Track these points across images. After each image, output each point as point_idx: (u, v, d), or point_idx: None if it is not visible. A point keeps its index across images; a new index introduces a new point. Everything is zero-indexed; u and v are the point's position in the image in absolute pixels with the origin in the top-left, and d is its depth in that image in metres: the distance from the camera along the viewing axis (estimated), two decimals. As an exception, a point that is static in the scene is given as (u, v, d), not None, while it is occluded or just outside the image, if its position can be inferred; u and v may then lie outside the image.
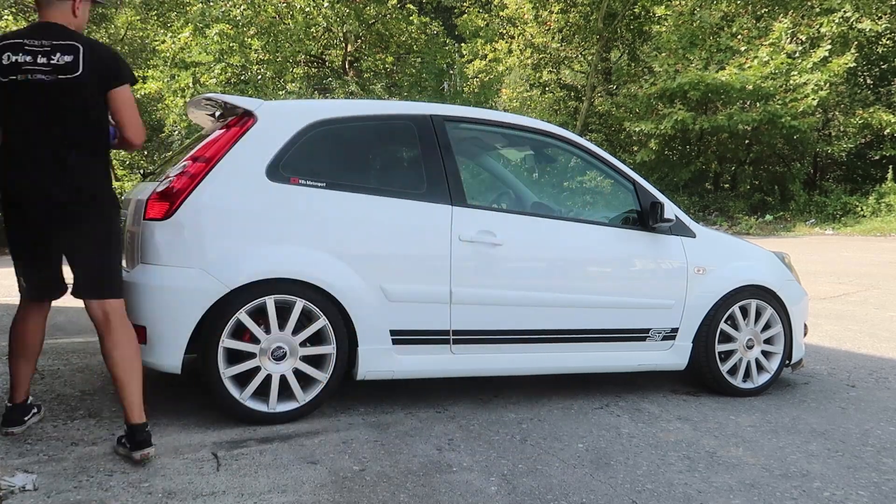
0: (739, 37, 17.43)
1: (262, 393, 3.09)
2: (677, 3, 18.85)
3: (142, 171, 4.40)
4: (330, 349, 3.16)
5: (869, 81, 19.19)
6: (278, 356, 3.08)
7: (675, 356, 3.76)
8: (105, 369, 4.02)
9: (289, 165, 3.17)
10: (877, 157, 18.02)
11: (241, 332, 3.05)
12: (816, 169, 20.12)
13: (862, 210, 16.71)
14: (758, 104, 16.79)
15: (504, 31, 21.62)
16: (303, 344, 3.13)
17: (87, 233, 2.69)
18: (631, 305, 3.65)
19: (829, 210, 17.27)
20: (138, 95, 20.80)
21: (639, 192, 3.73)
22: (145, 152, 20.11)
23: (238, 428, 3.06)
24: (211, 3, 15.91)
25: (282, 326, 3.09)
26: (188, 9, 17.41)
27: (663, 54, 17.79)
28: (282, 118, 3.26)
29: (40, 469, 2.59)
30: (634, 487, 2.60)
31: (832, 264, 10.15)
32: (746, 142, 18.67)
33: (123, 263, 3.32)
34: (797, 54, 16.89)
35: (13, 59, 2.57)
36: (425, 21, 19.24)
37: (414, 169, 3.51)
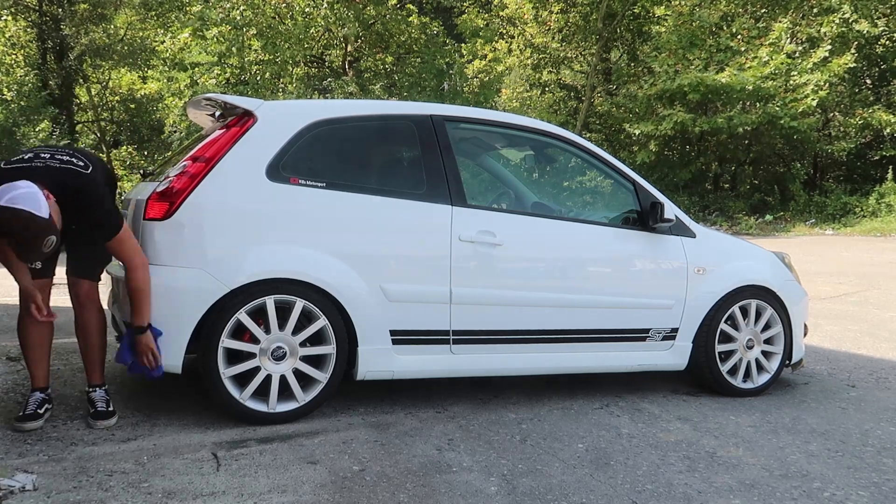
0: (739, 37, 17.43)
1: (261, 393, 3.09)
2: (677, 3, 18.85)
3: (142, 171, 4.43)
4: (330, 349, 3.16)
5: (869, 81, 19.19)
6: (278, 356, 3.08)
7: (675, 356, 3.76)
8: (105, 369, 4.02)
9: (289, 165, 3.17)
10: (877, 158, 18.02)
11: (240, 332, 3.05)
12: (816, 169, 20.12)
13: (862, 210, 16.71)
14: (757, 105, 16.79)
15: (504, 31, 21.62)
16: (303, 344, 3.13)
17: None
18: (631, 305, 3.65)
19: (829, 210, 17.27)
20: (138, 96, 20.87)
21: (639, 192, 3.72)
22: (145, 153, 20.13)
23: (238, 428, 3.06)
24: (210, 3, 15.90)
25: (282, 326, 3.09)
26: (188, 9, 17.41)
27: (663, 54, 17.78)
28: (282, 118, 3.26)
29: (40, 469, 2.59)
30: (634, 487, 2.60)
31: (832, 264, 10.15)
32: (746, 142, 18.67)
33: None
34: (797, 54, 16.89)
35: None
36: (425, 21, 19.24)
37: (414, 169, 3.51)
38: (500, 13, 21.48)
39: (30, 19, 18.95)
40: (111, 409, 3.18)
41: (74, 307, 3.17)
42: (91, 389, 3.22)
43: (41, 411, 3.08)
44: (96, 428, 3.06)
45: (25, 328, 3.09)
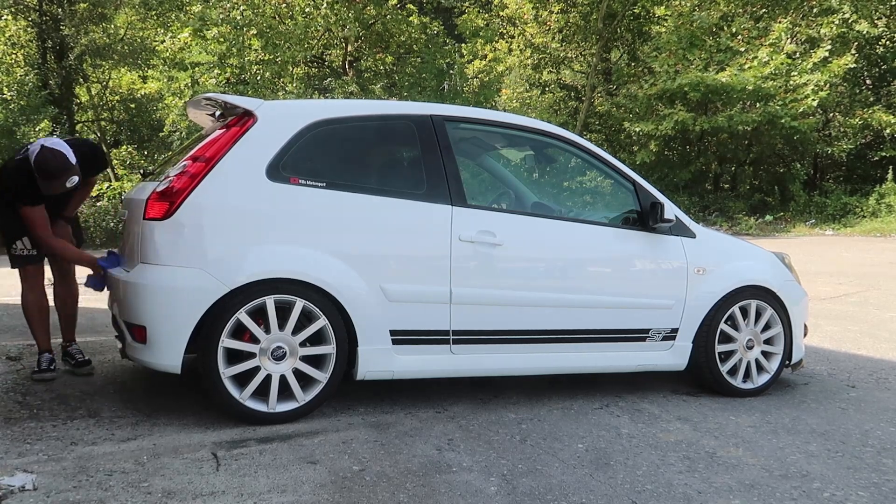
0: (739, 37, 17.42)
1: (261, 393, 3.09)
2: (677, 3, 18.84)
3: (142, 171, 4.49)
4: (330, 349, 3.16)
5: (869, 82, 19.19)
6: (278, 356, 3.08)
7: (674, 356, 3.76)
8: (105, 369, 4.03)
9: (289, 165, 3.17)
10: (877, 158, 18.03)
11: (240, 332, 3.05)
12: (816, 169, 20.12)
13: (862, 210, 16.71)
14: (758, 105, 16.79)
15: (504, 31, 21.60)
16: (303, 344, 3.13)
17: None
18: (631, 305, 3.65)
19: (829, 210, 17.27)
20: (138, 95, 20.87)
21: (639, 192, 3.72)
22: (145, 152, 20.13)
23: (238, 428, 3.06)
24: (210, 2, 15.90)
25: (282, 326, 3.09)
26: (188, 9, 17.40)
27: (663, 55, 17.77)
28: (282, 118, 3.26)
29: (40, 469, 2.59)
30: (634, 488, 2.60)
31: (832, 264, 10.15)
32: (746, 142, 18.66)
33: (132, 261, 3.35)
34: (797, 55, 16.88)
35: None
36: (425, 21, 19.23)
37: (414, 169, 3.51)
38: (500, 13, 21.45)
39: (30, 19, 18.93)
40: (88, 359, 3.95)
41: (58, 280, 3.95)
42: (67, 344, 3.99)
43: (52, 367, 3.80)
44: (80, 375, 3.84)
45: (27, 301, 3.77)
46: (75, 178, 3.49)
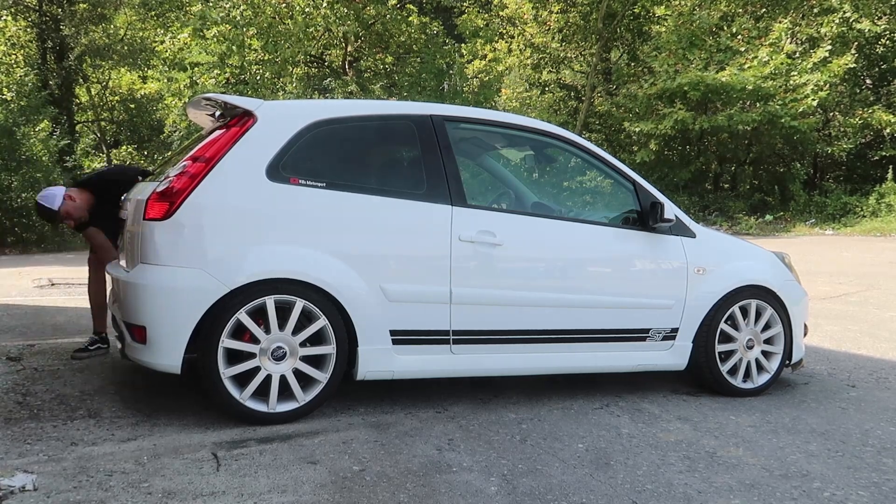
0: (739, 37, 17.43)
1: (261, 393, 3.09)
2: (677, 3, 18.84)
3: (141, 172, 4.53)
4: (330, 349, 3.16)
5: (869, 81, 19.19)
6: (278, 356, 3.08)
7: (675, 356, 3.76)
8: (105, 370, 4.04)
9: (289, 165, 3.17)
10: (877, 158, 18.02)
11: (240, 333, 3.05)
12: (816, 169, 20.12)
13: (862, 210, 16.71)
14: (758, 104, 16.79)
15: (504, 31, 21.60)
16: (303, 344, 3.13)
17: None
18: (631, 305, 3.65)
19: (829, 210, 17.27)
20: (138, 96, 20.90)
21: (639, 192, 3.72)
22: (145, 153, 20.16)
23: (238, 428, 3.06)
24: (210, 2, 15.90)
25: (282, 326, 3.09)
26: (188, 9, 17.41)
27: (663, 54, 17.77)
28: (282, 118, 3.26)
29: (40, 469, 2.59)
30: (634, 487, 2.60)
31: (832, 264, 10.14)
32: (746, 142, 18.67)
33: (123, 263, 3.36)
34: (797, 54, 16.88)
35: None
36: (425, 21, 19.23)
37: (414, 169, 3.51)
38: (500, 13, 21.46)
39: (30, 19, 18.95)
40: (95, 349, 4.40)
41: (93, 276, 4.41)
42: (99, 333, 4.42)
43: (92, 347, 4.32)
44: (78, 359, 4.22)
45: (90, 288, 4.35)
46: (69, 222, 4.26)
